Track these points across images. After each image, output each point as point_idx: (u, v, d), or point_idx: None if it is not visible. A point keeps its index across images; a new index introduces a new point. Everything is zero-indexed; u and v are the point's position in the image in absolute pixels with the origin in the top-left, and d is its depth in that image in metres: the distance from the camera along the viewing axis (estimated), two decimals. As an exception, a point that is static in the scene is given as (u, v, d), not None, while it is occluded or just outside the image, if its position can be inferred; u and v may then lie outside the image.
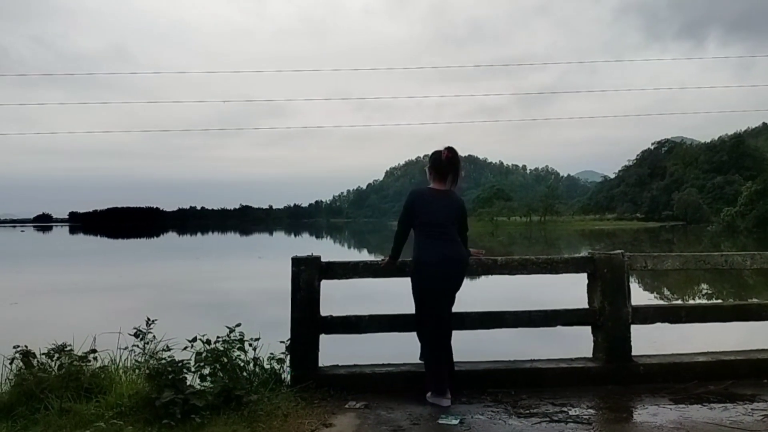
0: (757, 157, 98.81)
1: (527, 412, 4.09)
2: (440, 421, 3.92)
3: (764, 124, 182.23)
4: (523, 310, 4.77)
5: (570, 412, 4.06)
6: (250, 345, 4.53)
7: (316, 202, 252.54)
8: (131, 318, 5.07)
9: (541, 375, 4.66)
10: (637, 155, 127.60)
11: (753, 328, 5.17)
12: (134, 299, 15.08)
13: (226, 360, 4.45)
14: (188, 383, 4.19)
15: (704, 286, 17.01)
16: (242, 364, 4.49)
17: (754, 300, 5.08)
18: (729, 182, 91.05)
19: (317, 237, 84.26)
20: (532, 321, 4.76)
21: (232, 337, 4.50)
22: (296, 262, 4.62)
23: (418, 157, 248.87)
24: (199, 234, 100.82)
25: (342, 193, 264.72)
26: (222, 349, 4.46)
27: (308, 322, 4.57)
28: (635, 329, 4.80)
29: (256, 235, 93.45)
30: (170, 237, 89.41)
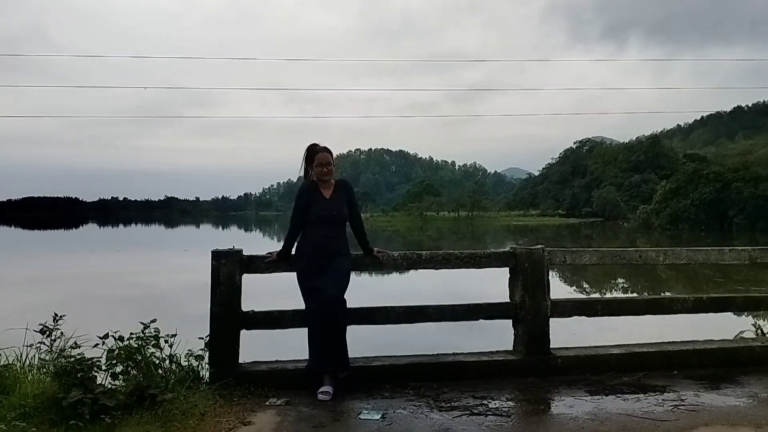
0: (672, 157, 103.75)
1: (449, 405, 4.11)
2: (362, 417, 3.88)
3: (678, 126, 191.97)
4: (447, 304, 4.80)
5: (490, 405, 4.11)
6: (166, 342, 4.36)
7: (245, 194, 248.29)
8: (41, 313, 4.78)
9: (463, 368, 4.69)
10: (560, 154, 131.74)
11: (665, 320, 5.38)
12: (47, 294, 14.36)
13: (140, 357, 4.27)
14: (99, 382, 3.99)
15: (621, 280, 17.72)
16: (157, 362, 4.32)
17: (667, 294, 5.29)
18: (645, 181, 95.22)
19: (246, 230, 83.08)
20: (455, 315, 4.80)
21: (147, 334, 4.32)
22: (216, 255, 4.48)
23: (350, 150, 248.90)
24: (121, 226, 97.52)
25: (272, 185, 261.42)
26: (136, 345, 4.27)
27: (228, 317, 4.44)
28: (555, 322, 4.91)
29: (182, 227, 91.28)
30: (90, 228, 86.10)
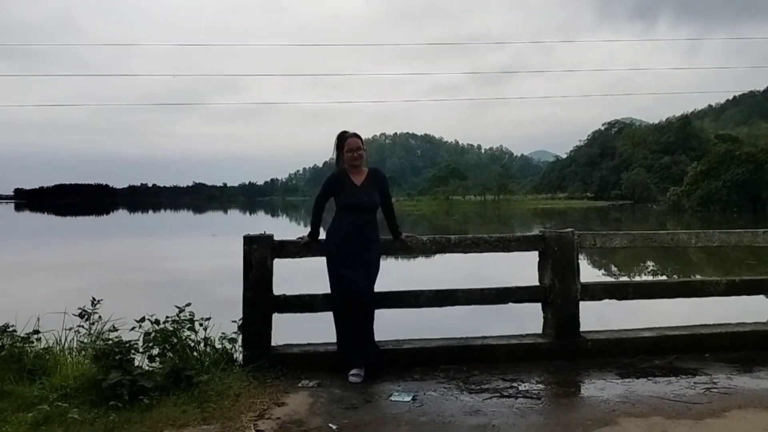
0: (703, 139, 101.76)
1: (478, 387, 4.15)
2: (393, 399, 3.94)
3: (710, 106, 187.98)
4: (476, 288, 4.82)
5: (520, 387, 4.13)
6: (201, 325, 4.46)
7: (272, 180, 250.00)
8: (78, 298, 4.91)
9: (492, 351, 4.72)
10: (588, 136, 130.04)
11: (696, 304, 5.33)
12: (82, 279, 14.70)
13: (175, 340, 4.37)
14: (137, 364, 4.11)
15: (650, 263, 17.49)
16: (192, 344, 4.42)
17: (698, 277, 5.24)
18: (676, 162, 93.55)
19: (273, 215, 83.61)
20: (484, 299, 4.82)
21: (182, 317, 4.42)
22: (248, 240, 4.55)
23: (375, 135, 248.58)
24: (150, 212, 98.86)
25: (298, 171, 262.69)
26: (171, 329, 4.38)
27: (261, 301, 4.52)
28: (584, 306, 4.90)
29: (210, 213, 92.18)
30: (120, 215, 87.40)
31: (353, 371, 4.32)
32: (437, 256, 4.93)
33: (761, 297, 6.60)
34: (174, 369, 4.06)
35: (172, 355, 4.28)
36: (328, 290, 4.59)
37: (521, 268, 6.04)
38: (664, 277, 15.72)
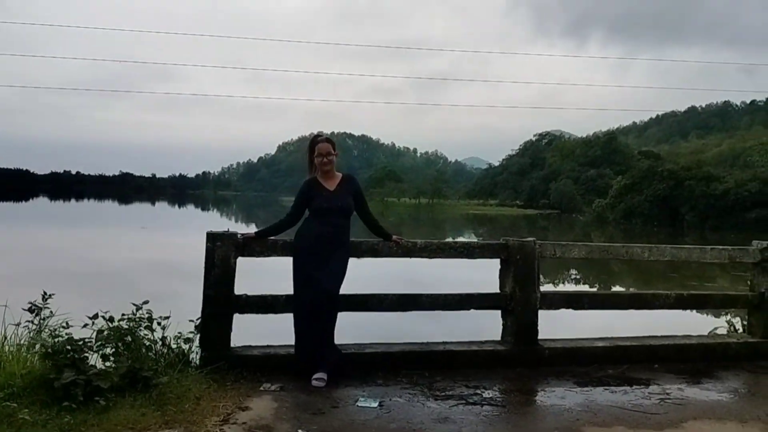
0: (627, 154, 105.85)
1: (443, 394, 4.15)
2: (359, 404, 3.88)
3: (634, 123, 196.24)
4: (440, 294, 4.83)
5: (484, 395, 4.16)
6: (159, 324, 4.28)
7: (204, 173, 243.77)
8: (12, 290, 4.64)
9: (454, 357, 4.74)
10: (520, 145, 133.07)
11: (647, 316, 5.51)
12: (7, 268, 13.91)
13: (130, 339, 4.18)
14: (90, 363, 3.90)
15: (573, 271, 17.97)
16: (148, 344, 4.24)
17: (649, 290, 5.48)
18: (601, 175, 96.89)
19: (203, 209, 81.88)
20: (447, 304, 4.83)
21: (139, 315, 4.23)
22: (212, 237, 4.40)
23: (312, 133, 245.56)
24: (74, 200, 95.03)
25: (231, 165, 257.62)
26: (126, 327, 4.18)
27: (222, 300, 4.38)
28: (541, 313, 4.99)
29: (137, 204, 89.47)
30: (41, 202, 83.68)
31: (316, 375, 4.24)
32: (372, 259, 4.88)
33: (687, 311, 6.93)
34: (131, 369, 3.88)
35: (127, 355, 4.08)
36: (290, 291, 4.50)
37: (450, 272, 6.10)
38: (618, 290, 16.27)
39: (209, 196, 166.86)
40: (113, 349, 4.15)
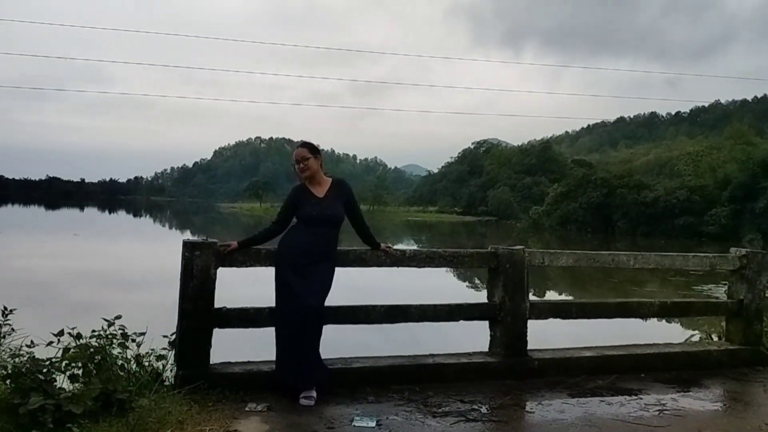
0: (561, 162, 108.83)
1: (440, 410, 3.94)
2: (356, 424, 3.64)
3: (567, 132, 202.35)
4: (429, 305, 4.63)
5: (482, 410, 3.98)
6: (134, 341, 3.92)
7: (136, 177, 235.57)
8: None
9: (443, 371, 4.55)
10: (459, 153, 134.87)
11: (633, 324, 5.47)
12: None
13: (99, 358, 3.81)
14: (58, 386, 3.52)
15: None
16: (121, 363, 3.87)
17: (634, 299, 5.48)
18: (536, 183, 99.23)
19: (135, 215, 79.40)
20: (437, 315, 4.64)
21: (111, 332, 3.85)
22: (190, 246, 4.07)
23: (249, 138, 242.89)
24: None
25: (165, 170, 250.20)
26: (96, 345, 3.80)
27: (201, 314, 4.05)
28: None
29: (65, 210, 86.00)
30: (-41, 207, 79.40)
31: (305, 393, 3.96)
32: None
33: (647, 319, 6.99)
34: (104, 392, 3.51)
35: (97, 375, 3.71)
36: (272, 303, 4.21)
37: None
38: (605, 299, 16.45)
39: (141, 202, 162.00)
40: (82, 370, 3.77)
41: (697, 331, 6.18)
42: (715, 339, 5.79)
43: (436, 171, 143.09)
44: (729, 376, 5.00)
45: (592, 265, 5.11)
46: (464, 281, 16.54)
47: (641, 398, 4.37)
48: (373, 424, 3.65)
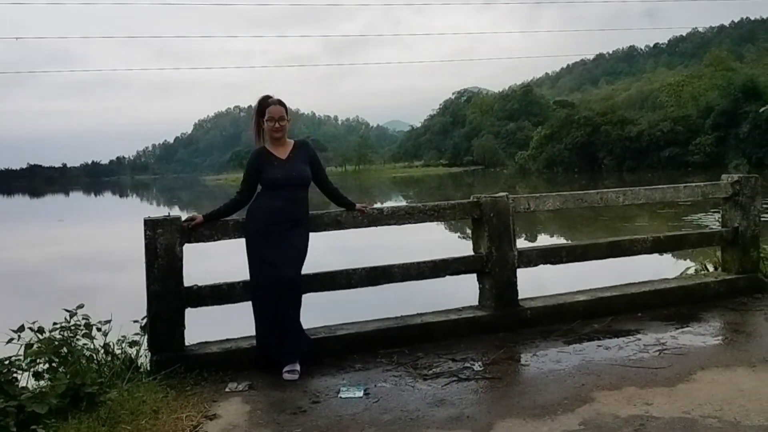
0: (543, 104, 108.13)
1: (431, 372, 3.76)
2: (342, 396, 3.44)
3: (547, 74, 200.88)
4: (412, 262, 4.41)
5: (475, 368, 3.80)
6: (99, 330, 3.68)
7: (118, 158, 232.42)
8: None
9: (433, 330, 4.36)
10: (440, 105, 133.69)
11: (625, 263, 5.27)
12: None
13: (66, 351, 3.57)
14: (22, 385, 3.29)
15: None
16: (89, 354, 3.64)
17: (626, 236, 5.28)
18: (520, 128, 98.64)
19: (121, 196, 78.70)
20: (421, 273, 4.42)
21: (75, 322, 3.61)
22: (151, 224, 3.80)
23: (228, 108, 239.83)
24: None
25: (147, 147, 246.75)
26: (60, 337, 3.56)
27: (170, 295, 3.81)
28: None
29: (50, 196, 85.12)
30: (-59, 203, 78.33)
31: (288, 368, 3.76)
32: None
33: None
34: (71, 387, 3.28)
35: (63, 370, 3.48)
36: (246, 277, 3.97)
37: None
38: (595, 240, 16.30)
39: (126, 182, 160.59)
40: (47, 365, 3.54)
41: (693, 263, 5.99)
42: (711, 269, 5.63)
43: (419, 125, 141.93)
44: (728, 307, 4.85)
45: (580, 206, 4.89)
46: (456, 232, 16.36)
47: (640, 339, 4.20)
48: (361, 393, 3.45)
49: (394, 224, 4.39)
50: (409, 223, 4.42)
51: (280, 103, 3.97)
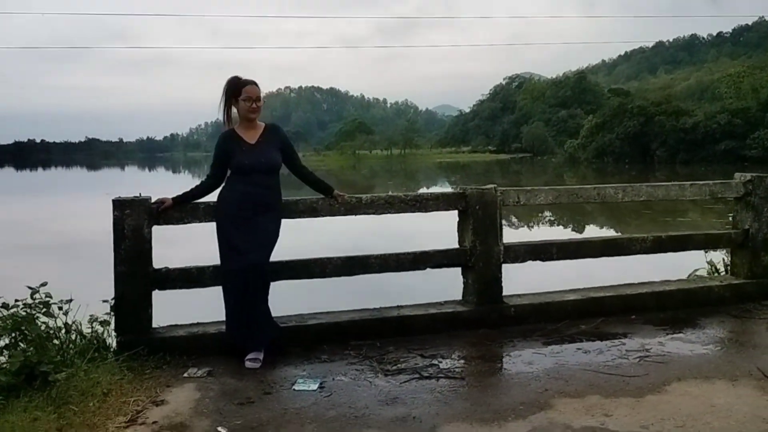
0: (597, 92, 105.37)
1: (395, 368, 3.64)
2: (297, 388, 3.36)
3: (603, 61, 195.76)
4: (390, 253, 4.28)
5: (441, 366, 3.66)
6: (60, 308, 3.68)
7: (172, 135, 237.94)
8: None
9: (410, 323, 4.23)
10: (490, 90, 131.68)
11: (620, 260, 5.02)
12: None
13: (28, 328, 3.58)
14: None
15: (548, 213, 17.53)
16: (51, 332, 3.65)
17: (624, 234, 5.02)
18: (572, 116, 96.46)
19: (174, 172, 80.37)
20: (400, 265, 4.29)
21: (36, 300, 3.62)
22: (119, 205, 3.78)
23: (279, 89, 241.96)
24: (40, 169, 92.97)
25: (200, 125, 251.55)
26: (24, 314, 3.58)
27: (137, 276, 3.78)
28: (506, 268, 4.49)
29: (106, 170, 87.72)
30: (6, 173, 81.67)
31: (250, 355, 3.70)
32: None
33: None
34: (26, 364, 3.30)
35: (24, 347, 3.49)
36: (218, 261, 3.92)
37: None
38: (560, 228, 15.91)
39: (179, 158, 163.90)
40: (10, 340, 3.57)
41: (703, 265, 5.66)
42: (722, 273, 5.32)
43: (467, 110, 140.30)
44: (731, 314, 4.57)
45: (574, 201, 4.67)
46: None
47: (624, 343, 3.99)
48: (315, 386, 3.36)
49: (373, 213, 4.26)
50: (389, 212, 4.28)
51: (255, 83, 3.88)
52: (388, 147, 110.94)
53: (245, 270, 3.69)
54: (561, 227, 16.07)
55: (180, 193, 3.93)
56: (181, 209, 3.91)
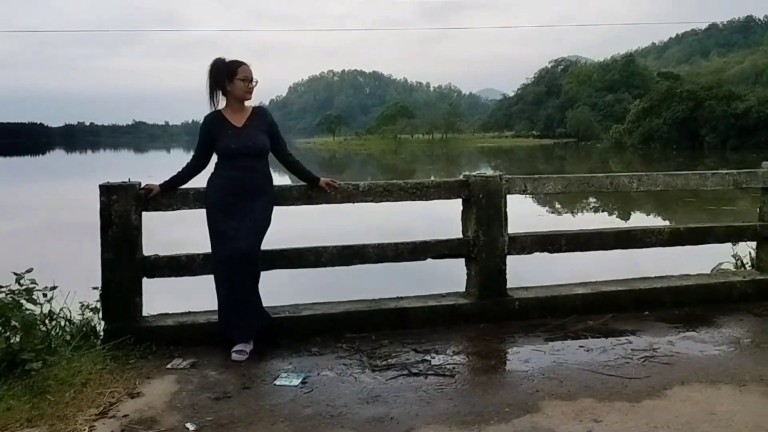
0: (646, 76, 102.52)
1: (384, 363, 3.50)
2: (278, 383, 3.25)
3: (653, 44, 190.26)
4: (389, 243, 4.12)
5: (432, 362, 3.51)
6: (45, 296, 3.64)
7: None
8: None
9: (407, 315, 4.08)
10: (535, 74, 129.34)
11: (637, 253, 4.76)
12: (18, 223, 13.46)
13: (9, 316, 3.55)
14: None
15: (592, 199, 17.06)
16: (35, 319, 3.61)
17: (639, 225, 4.79)
18: (619, 100, 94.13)
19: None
20: (399, 255, 4.13)
21: (21, 286, 3.59)
22: (106, 190, 3.71)
23: (322, 72, 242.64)
24: (89, 152, 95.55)
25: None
26: (9, 301, 3.55)
27: (124, 263, 3.72)
28: (512, 260, 4.29)
29: (152, 152, 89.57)
30: (57, 155, 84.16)
31: (237, 347, 3.61)
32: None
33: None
34: (9, 352, 3.27)
35: (9, 335, 3.47)
36: (209, 249, 3.82)
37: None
38: (605, 215, 15.46)
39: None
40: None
41: (729, 259, 5.34)
42: (748, 268, 5.00)
43: (512, 94, 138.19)
44: (752, 312, 4.28)
45: (585, 190, 4.42)
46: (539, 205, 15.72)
47: (630, 342, 3.76)
48: (297, 382, 3.25)
49: (371, 201, 4.10)
50: (388, 200, 4.11)
51: (248, 64, 3.77)
52: (430, 131, 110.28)
53: (233, 258, 3.59)
54: (605, 213, 15.62)
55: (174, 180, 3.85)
56: (170, 195, 3.83)
